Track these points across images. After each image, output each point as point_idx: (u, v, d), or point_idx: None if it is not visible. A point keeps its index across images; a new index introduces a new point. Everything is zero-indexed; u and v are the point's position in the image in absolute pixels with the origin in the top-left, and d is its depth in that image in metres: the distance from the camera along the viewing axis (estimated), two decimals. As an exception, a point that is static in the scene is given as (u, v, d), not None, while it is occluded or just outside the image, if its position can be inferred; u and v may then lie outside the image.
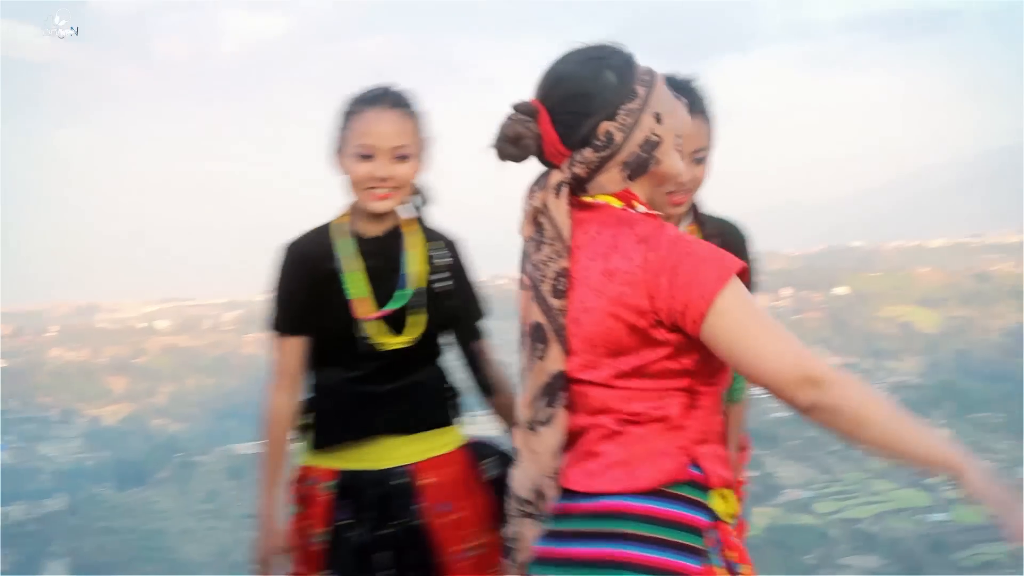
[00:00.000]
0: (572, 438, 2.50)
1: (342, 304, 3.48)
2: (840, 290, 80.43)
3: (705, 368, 2.41)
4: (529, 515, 2.48)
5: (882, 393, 2.31)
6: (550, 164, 2.52)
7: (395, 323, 3.49)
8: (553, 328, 2.45)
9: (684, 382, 2.43)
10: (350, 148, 3.45)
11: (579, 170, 2.47)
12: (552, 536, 2.48)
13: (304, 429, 3.59)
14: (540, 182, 2.51)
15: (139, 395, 73.97)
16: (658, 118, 2.48)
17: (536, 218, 2.50)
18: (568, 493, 2.48)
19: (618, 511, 2.41)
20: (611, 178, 2.48)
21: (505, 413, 3.72)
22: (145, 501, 54.15)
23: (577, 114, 2.46)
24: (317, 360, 3.59)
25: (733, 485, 2.52)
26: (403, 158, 3.46)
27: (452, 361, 3.72)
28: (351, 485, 3.49)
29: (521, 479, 2.51)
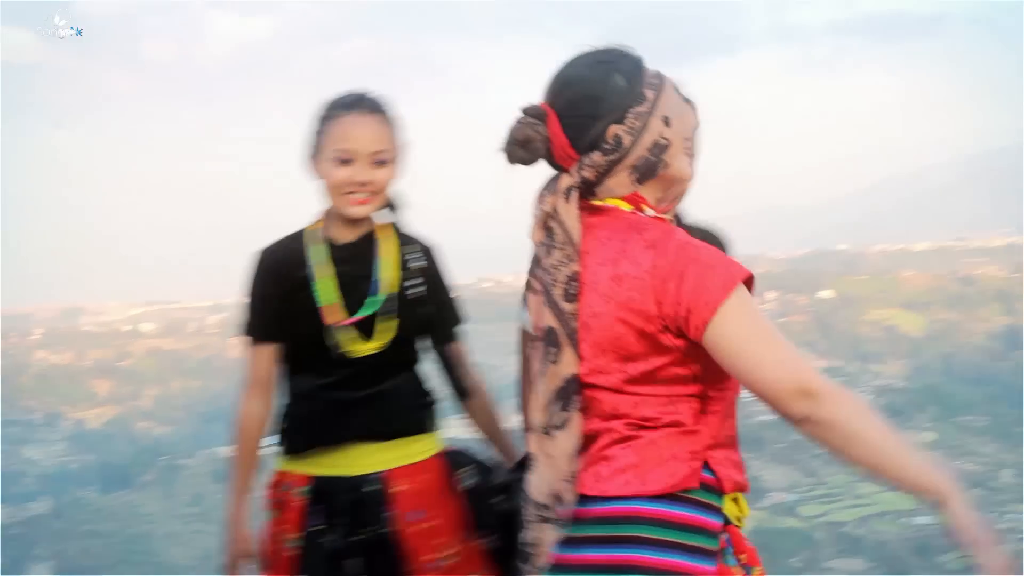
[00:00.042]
0: (584, 443, 2.49)
1: (313, 311, 3.47)
2: (825, 293, 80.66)
3: (715, 373, 2.40)
4: (547, 520, 2.47)
5: (876, 412, 2.29)
6: (559, 167, 2.52)
7: (366, 330, 3.48)
8: (566, 332, 2.45)
9: (694, 388, 2.43)
10: (327, 153, 3.44)
11: (588, 174, 2.47)
12: (565, 542, 2.48)
13: (280, 434, 3.59)
14: (550, 186, 2.51)
15: (124, 398, 73.91)
16: (667, 121, 2.48)
17: (546, 223, 2.50)
18: (580, 498, 2.47)
19: (630, 515, 2.40)
20: (620, 181, 2.48)
21: (480, 418, 3.72)
22: (130, 504, 54.07)
23: (586, 117, 2.46)
24: (291, 367, 3.58)
25: (746, 489, 2.52)
26: (381, 163, 3.45)
27: (429, 367, 3.72)
28: (325, 491, 3.48)
29: (538, 484, 2.49)
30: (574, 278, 2.44)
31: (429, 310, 3.57)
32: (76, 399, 71.57)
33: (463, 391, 3.70)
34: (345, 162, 3.41)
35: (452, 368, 3.70)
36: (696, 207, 3.33)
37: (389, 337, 3.47)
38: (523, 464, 3.71)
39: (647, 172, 2.48)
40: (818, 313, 76.73)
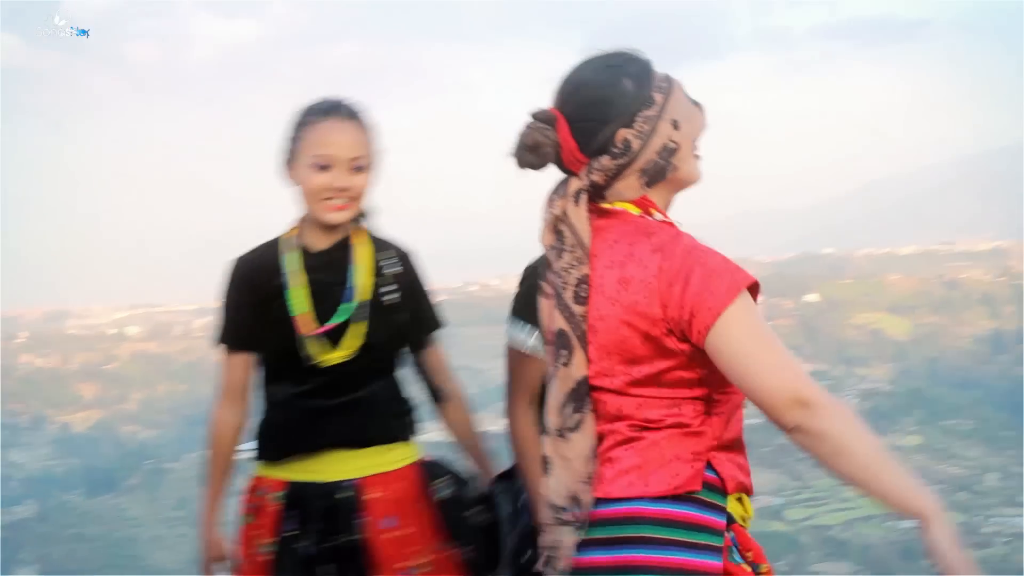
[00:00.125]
0: None
1: (286, 321, 3.47)
2: (811, 297, 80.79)
3: (720, 377, 2.39)
4: (566, 522, 2.47)
5: (866, 426, 2.30)
6: (568, 171, 2.52)
7: (337, 338, 3.48)
8: (576, 335, 2.45)
9: (699, 390, 2.43)
10: (305, 159, 3.43)
11: (597, 177, 2.47)
12: None
13: (257, 441, 3.60)
14: (559, 190, 2.51)
15: (109, 402, 73.79)
16: (675, 125, 2.48)
17: (556, 226, 2.50)
18: None
19: (634, 516, 2.41)
20: (629, 185, 2.49)
21: (456, 426, 3.72)
22: (115, 508, 54.04)
23: (595, 121, 2.46)
24: (267, 374, 3.58)
25: (750, 491, 2.53)
26: (359, 169, 3.44)
27: (408, 374, 3.71)
28: (299, 496, 3.47)
29: (555, 487, 2.49)
30: (584, 281, 2.45)
31: (404, 316, 3.56)
32: (61, 403, 71.46)
33: (439, 397, 3.69)
34: (323, 168, 3.41)
35: (429, 374, 3.69)
36: (681, 210, 3.34)
37: (357, 345, 3.46)
38: (504, 476, 3.72)
39: (656, 175, 2.49)
40: (804, 317, 76.85)
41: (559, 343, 2.49)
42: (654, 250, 2.40)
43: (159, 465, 56.53)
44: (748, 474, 2.52)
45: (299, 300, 3.47)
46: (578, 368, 2.45)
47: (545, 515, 2.52)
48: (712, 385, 2.42)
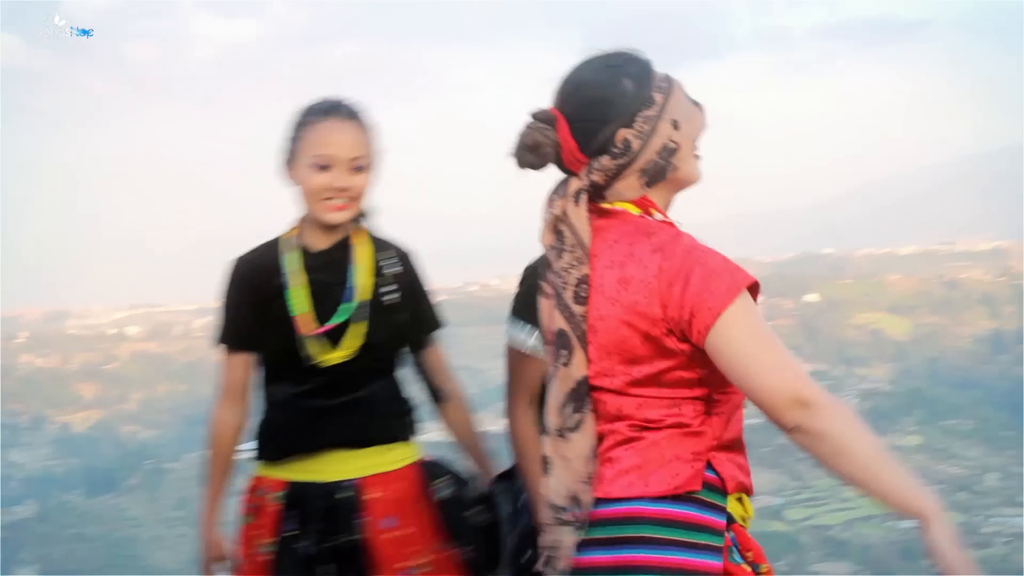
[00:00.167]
0: None
1: (286, 321, 3.47)
2: (811, 297, 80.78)
3: (720, 377, 2.39)
4: (566, 522, 2.47)
5: (867, 427, 2.30)
6: (568, 171, 2.52)
7: (337, 338, 3.48)
8: (576, 335, 2.46)
9: (699, 390, 2.43)
10: (305, 159, 3.43)
11: (597, 177, 2.47)
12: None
13: (257, 441, 3.60)
14: (559, 190, 2.51)
15: (109, 401, 73.78)
16: (675, 125, 2.48)
17: (556, 226, 2.50)
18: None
19: (633, 516, 2.41)
20: (629, 185, 2.49)
21: (456, 426, 3.72)
22: (115, 508, 54.04)
23: (595, 121, 2.46)
24: (268, 374, 3.59)
25: (750, 492, 2.53)
26: (359, 169, 3.45)
27: (408, 374, 3.71)
28: (299, 496, 3.48)
29: (555, 487, 2.49)
30: (584, 281, 2.45)
31: (404, 316, 3.56)
32: (61, 403, 71.46)
33: (439, 397, 3.70)
34: (323, 168, 3.41)
35: (429, 374, 3.69)
36: (681, 211, 3.34)
37: (357, 345, 3.46)
38: (504, 476, 3.72)
39: (656, 175, 2.49)
40: (804, 317, 76.83)
41: (559, 343, 2.49)
42: (654, 250, 2.40)
43: (159, 465, 56.52)
44: (748, 474, 2.52)
45: (299, 300, 3.47)
46: (578, 368, 2.46)
47: (545, 515, 2.52)
48: (712, 385, 2.42)
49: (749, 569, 2.46)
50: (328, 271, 3.50)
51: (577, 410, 2.46)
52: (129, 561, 46.52)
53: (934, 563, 2.22)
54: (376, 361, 3.52)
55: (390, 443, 3.54)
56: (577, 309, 2.45)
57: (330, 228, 3.50)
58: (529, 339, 3.54)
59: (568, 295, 2.46)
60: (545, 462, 2.53)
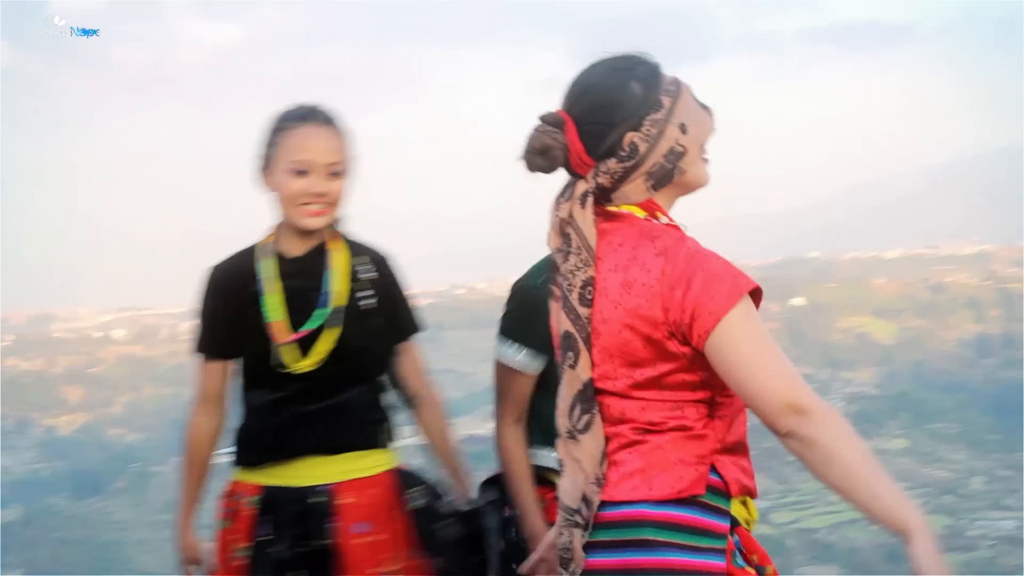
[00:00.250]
0: None
1: (261, 328, 3.48)
2: (797, 301, 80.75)
3: (722, 380, 2.41)
4: (577, 525, 2.47)
5: (858, 437, 2.31)
6: (576, 174, 2.53)
7: (310, 344, 3.48)
8: (582, 336, 2.47)
9: (702, 393, 2.44)
10: (282, 164, 3.44)
11: (603, 180, 2.48)
12: None
13: (235, 447, 3.61)
14: (566, 193, 2.52)
15: (95, 405, 73.51)
16: (683, 128, 2.49)
17: (563, 229, 2.51)
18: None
19: (638, 519, 2.42)
20: (635, 188, 2.50)
21: (431, 433, 3.72)
22: (101, 511, 53.87)
23: (602, 124, 2.47)
24: (245, 380, 3.60)
25: (754, 494, 2.55)
26: (336, 175, 3.46)
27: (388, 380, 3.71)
28: (274, 501, 3.49)
29: (568, 489, 2.51)
30: (589, 283, 2.46)
31: (380, 321, 3.56)
32: (47, 406, 71.18)
33: (414, 403, 3.69)
34: (300, 173, 3.41)
35: (405, 379, 3.69)
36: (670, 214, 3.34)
37: (327, 350, 3.46)
38: (491, 482, 3.73)
39: (663, 179, 2.50)
40: (790, 320, 76.77)
41: (565, 345, 2.50)
42: (658, 254, 2.41)
43: (145, 468, 56.29)
44: (752, 477, 2.54)
45: (274, 307, 3.47)
46: (584, 370, 2.47)
47: (559, 516, 2.53)
48: (714, 388, 2.43)
49: (753, 572, 2.49)
50: (303, 277, 3.50)
51: (585, 411, 2.47)
52: (115, 564, 46.34)
53: (916, 572, 2.23)
54: (352, 367, 3.52)
55: (365, 450, 3.54)
56: (583, 311, 2.47)
57: (306, 234, 3.50)
58: (518, 355, 3.55)
59: (574, 297, 2.47)
60: (560, 464, 2.54)
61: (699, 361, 2.40)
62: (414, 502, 3.55)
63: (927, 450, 57.42)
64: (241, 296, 3.50)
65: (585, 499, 2.46)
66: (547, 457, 3.60)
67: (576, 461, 2.49)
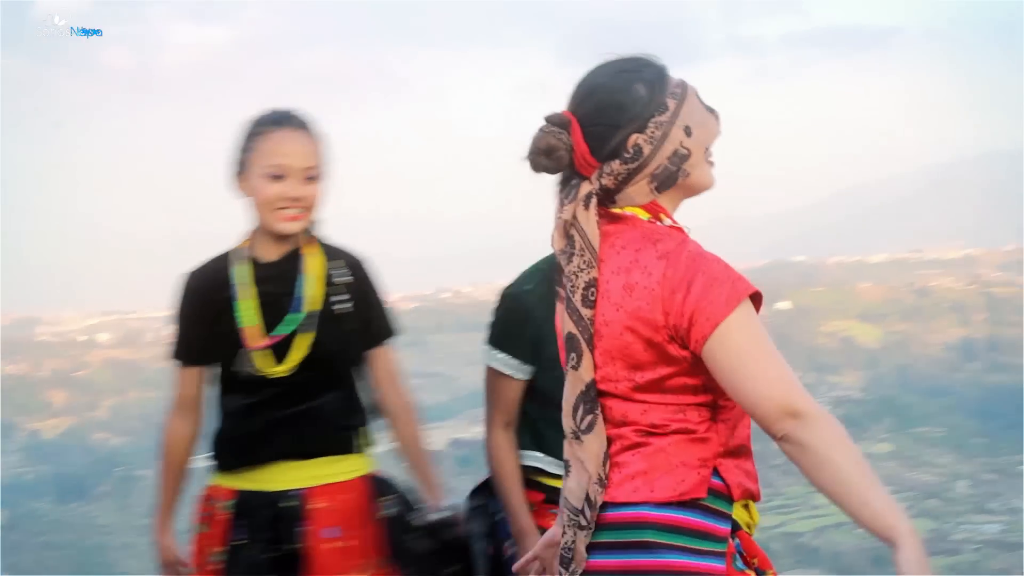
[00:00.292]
0: None
1: (235, 333, 3.47)
2: (782, 305, 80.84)
3: (720, 384, 2.41)
4: (580, 526, 2.48)
5: (854, 445, 2.32)
6: (581, 175, 2.53)
7: (284, 349, 3.48)
8: (584, 338, 2.47)
9: (704, 397, 2.45)
10: (258, 169, 3.44)
11: (607, 182, 2.49)
12: None
13: (212, 451, 3.62)
14: (570, 194, 2.52)
15: (80, 408, 73.35)
16: (688, 131, 2.49)
17: (567, 230, 2.52)
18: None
19: (638, 521, 2.43)
20: (639, 190, 2.50)
21: (403, 439, 3.71)
22: (86, 516, 53.74)
23: (607, 126, 2.48)
24: (222, 385, 3.59)
25: (756, 497, 2.56)
26: (312, 179, 3.46)
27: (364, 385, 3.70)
28: (248, 505, 3.50)
29: (573, 489, 2.51)
30: (592, 284, 2.47)
31: (355, 326, 3.55)
32: (31, 409, 70.99)
33: (387, 408, 3.68)
34: (277, 178, 3.41)
35: (378, 385, 3.67)
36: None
37: (302, 355, 3.46)
38: (480, 490, 3.73)
39: (666, 181, 2.50)
40: (775, 324, 76.87)
41: (569, 346, 2.50)
42: (659, 257, 2.42)
43: (130, 472, 56.16)
44: (755, 480, 2.54)
45: (248, 312, 3.48)
46: (587, 371, 2.47)
47: (563, 516, 2.54)
48: (717, 392, 2.44)
49: (753, 575, 2.49)
50: (278, 282, 3.50)
51: (588, 412, 2.48)
52: (99, 569, 46.22)
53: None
54: (327, 372, 3.52)
55: (339, 455, 3.54)
56: (586, 312, 2.47)
57: (281, 239, 3.50)
58: (506, 361, 3.56)
59: (577, 298, 2.48)
60: (566, 465, 2.54)
61: (700, 365, 2.40)
62: (386, 510, 3.55)
63: (912, 454, 57.55)
64: (215, 302, 3.51)
65: (588, 499, 2.46)
66: (535, 457, 3.60)
67: (580, 461, 2.49)
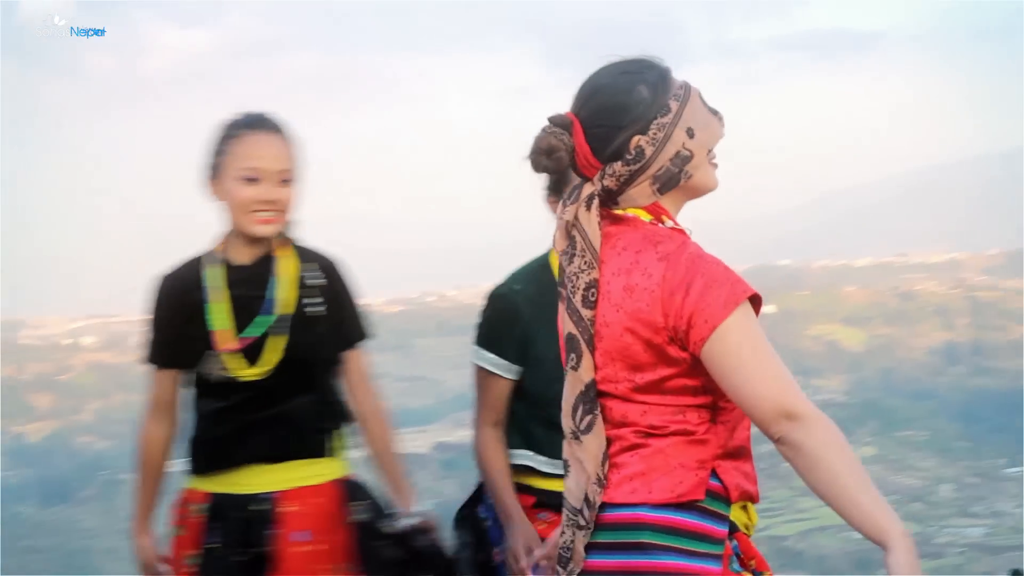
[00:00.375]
0: None
1: (206, 336, 3.48)
2: (767, 308, 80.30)
3: (719, 385, 2.42)
4: (579, 526, 2.48)
5: (849, 447, 2.32)
6: (583, 177, 2.54)
7: (257, 352, 3.48)
8: (584, 338, 2.48)
9: (703, 398, 2.45)
10: (232, 172, 3.43)
11: (610, 183, 2.49)
12: None
13: (188, 454, 3.62)
14: (572, 195, 2.53)
15: (64, 412, 73.21)
16: (690, 133, 2.49)
17: (568, 231, 2.52)
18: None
19: (636, 522, 2.43)
20: (641, 191, 2.50)
21: (373, 443, 3.70)
22: (70, 519, 53.61)
23: (609, 127, 2.48)
24: (197, 389, 3.59)
25: (755, 499, 2.56)
26: (286, 182, 3.46)
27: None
28: (220, 509, 3.50)
29: (572, 489, 2.51)
30: (593, 285, 2.47)
31: (326, 328, 3.55)
32: (15, 413, 70.81)
33: (359, 412, 3.68)
34: (251, 180, 3.41)
35: (349, 388, 3.67)
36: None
37: (276, 359, 3.47)
38: (472, 502, 3.73)
39: (669, 182, 2.50)
40: (760, 328, 76.93)
41: (569, 347, 2.51)
42: (660, 259, 2.42)
43: (114, 476, 56.01)
44: (754, 482, 2.54)
45: (219, 315, 3.48)
46: (586, 371, 2.48)
47: (563, 516, 2.54)
48: (716, 393, 2.44)
49: None
50: (250, 285, 3.50)
51: (587, 412, 2.48)
52: (84, 572, 46.10)
53: None
54: (300, 375, 3.51)
55: (311, 458, 3.54)
56: (586, 313, 2.48)
57: (255, 242, 3.50)
58: (494, 360, 3.57)
59: (578, 299, 2.49)
60: (565, 464, 2.55)
61: (699, 366, 2.41)
62: (357, 515, 3.54)
63: (896, 457, 57.67)
64: (187, 304, 3.51)
65: (587, 499, 2.47)
66: (525, 456, 3.60)
67: (579, 462, 2.49)
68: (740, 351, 2.34)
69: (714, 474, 2.45)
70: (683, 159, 2.49)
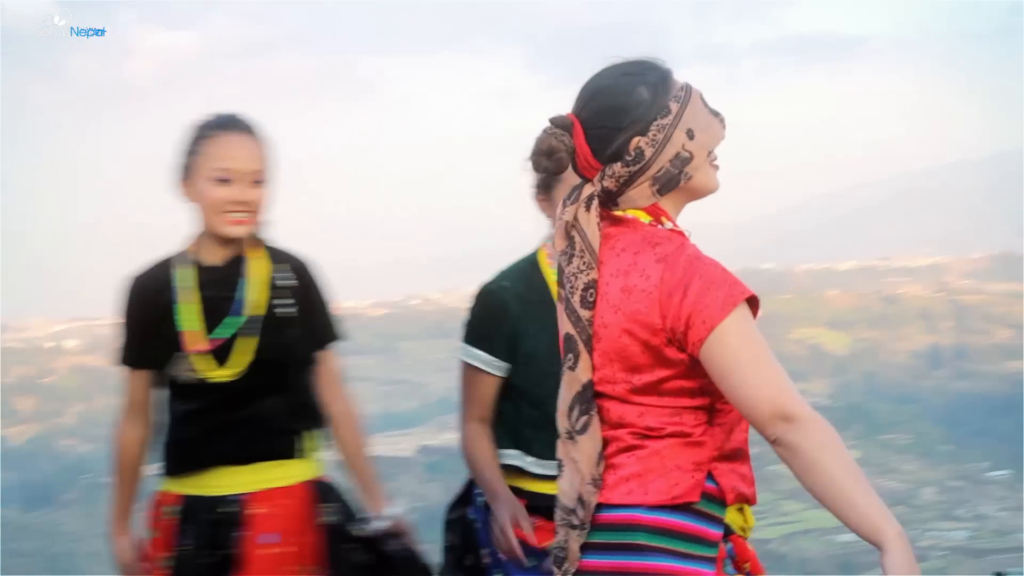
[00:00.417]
0: None
1: (176, 337, 3.47)
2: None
3: (716, 386, 2.42)
4: (573, 526, 2.49)
5: (846, 449, 2.33)
6: (584, 177, 2.55)
7: (226, 354, 3.48)
8: (582, 339, 2.49)
9: (700, 400, 2.46)
10: (205, 172, 3.43)
11: (609, 184, 2.50)
12: None
13: (161, 456, 3.62)
14: (572, 196, 2.54)
15: (47, 415, 73.00)
16: (690, 134, 2.50)
17: (568, 231, 2.53)
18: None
19: (631, 523, 2.44)
20: (641, 193, 2.51)
21: (344, 446, 3.69)
22: (52, 523, 53.46)
23: (610, 128, 2.49)
24: (170, 391, 3.59)
25: (751, 501, 2.56)
26: (259, 183, 3.46)
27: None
28: (192, 511, 3.50)
29: (566, 489, 2.52)
30: (591, 286, 2.48)
31: (298, 330, 3.55)
32: (-3, 416, 70.61)
33: (329, 414, 3.67)
34: (224, 181, 3.41)
35: (321, 389, 3.66)
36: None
37: (246, 361, 3.46)
38: (459, 502, 3.73)
39: (668, 184, 2.51)
40: (758, 330, 76.93)
41: (566, 347, 2.51)
42: (658, 260, 2.43)
43: (97, 479, 55.89)
44: (751, 484, 2.55)
45: (189, 316, 3.47)
46: (584, 372, 2.48)
47: (557, 516, 2.54)
48: (713, 395, 2.45)
49: None
50: (221, 286, 3.50)
51: (584, 413, 2.48)
52: (68, 575, 46.01)
53: None
54: (271, 377, 3.51)
55: (281, 459, 3.53)
56: (584, 313, 2.48)
57: (226, 243, 3.49)
58: (481, 356, 3.57)
59: (576, 299, 2.49)
60: (559, 464, 2.55)
61: (697, 368, 2.42)
62: (326, 517, 3.54)
63: (879, 461, 57.74)
64: (158, 305, 3.50)
65: (581, 500, 2.47)
66: (513, 455, 3.60)
67: (573, 462, 2.49)
68: (737, 353, 2.35)
69: (710, 476, 2.46)
70: (683, 160, 2.50)
